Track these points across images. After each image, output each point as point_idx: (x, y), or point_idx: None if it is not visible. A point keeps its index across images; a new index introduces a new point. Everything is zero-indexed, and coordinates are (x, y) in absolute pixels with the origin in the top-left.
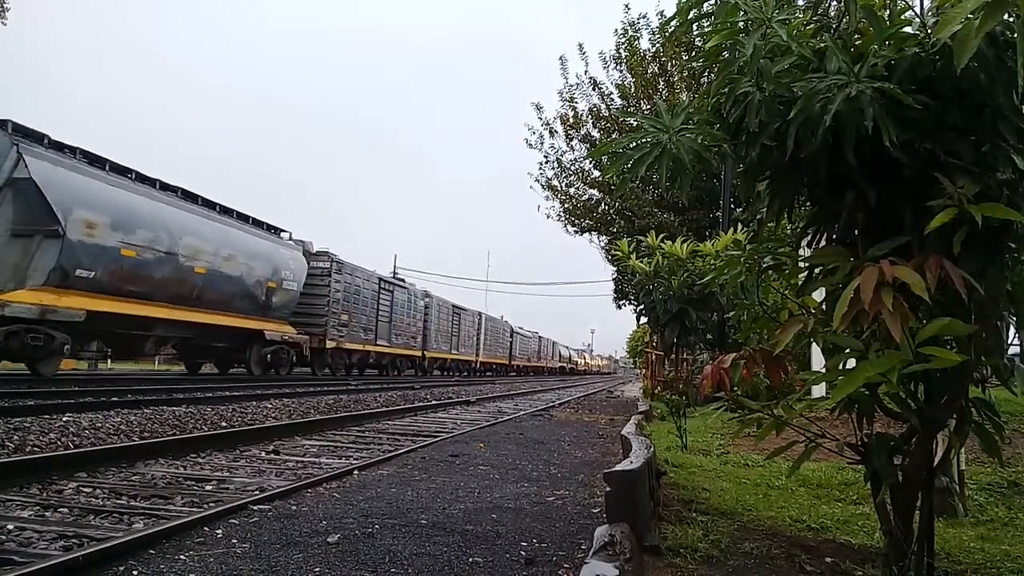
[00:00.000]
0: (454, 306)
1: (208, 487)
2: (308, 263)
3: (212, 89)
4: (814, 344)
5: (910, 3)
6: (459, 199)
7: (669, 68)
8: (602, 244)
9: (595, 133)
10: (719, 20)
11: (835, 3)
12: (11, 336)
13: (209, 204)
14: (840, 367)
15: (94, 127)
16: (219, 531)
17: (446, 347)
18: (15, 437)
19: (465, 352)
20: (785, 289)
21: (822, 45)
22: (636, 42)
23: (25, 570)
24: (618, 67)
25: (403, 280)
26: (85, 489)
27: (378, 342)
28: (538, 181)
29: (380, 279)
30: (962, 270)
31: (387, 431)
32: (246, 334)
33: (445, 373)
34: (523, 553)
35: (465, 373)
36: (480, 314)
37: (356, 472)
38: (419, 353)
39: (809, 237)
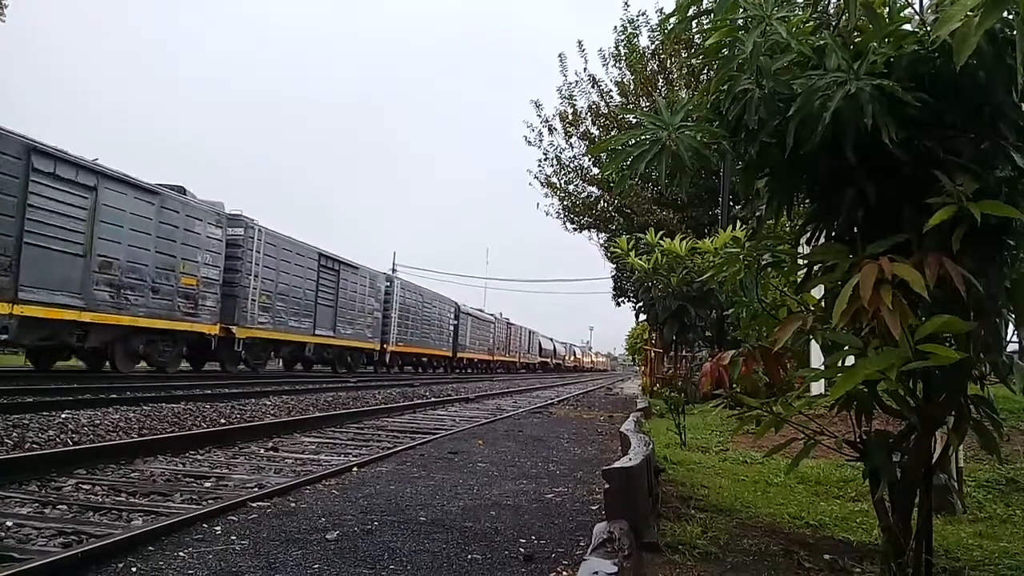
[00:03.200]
0: (324, 256)
1: (207, 484)
2: None
3: (212, 89)
4: (813, 341)
5: (909, 0)
6: (458, 198)
7: (668, 65)
8: (601, 241)
9: (594, 130)
10: (718, 17)
11: (834, 0)
12: None
13: None
14: (839, 364)
15: (94, 127)
16: (218, 528)
17: (302, 324)
18: (14, 434)
19: (357, 335)
20: (784, 286)
21: (821, 42)
22: (635, 39)
23: (24, 567)
24: (617, 64)
25: (176, 188)
26: (84, 486)
27: (63, 298)
28: (537, 178)
29: (49, 152)
30: (961, 268)
31: (386, 428)
32: None
33: (342, 370)
34: (522, 550)
35: (368, 367)
36: (391, 279)
37: (355, 469)
38: (213, 329)
39: (808, 234)
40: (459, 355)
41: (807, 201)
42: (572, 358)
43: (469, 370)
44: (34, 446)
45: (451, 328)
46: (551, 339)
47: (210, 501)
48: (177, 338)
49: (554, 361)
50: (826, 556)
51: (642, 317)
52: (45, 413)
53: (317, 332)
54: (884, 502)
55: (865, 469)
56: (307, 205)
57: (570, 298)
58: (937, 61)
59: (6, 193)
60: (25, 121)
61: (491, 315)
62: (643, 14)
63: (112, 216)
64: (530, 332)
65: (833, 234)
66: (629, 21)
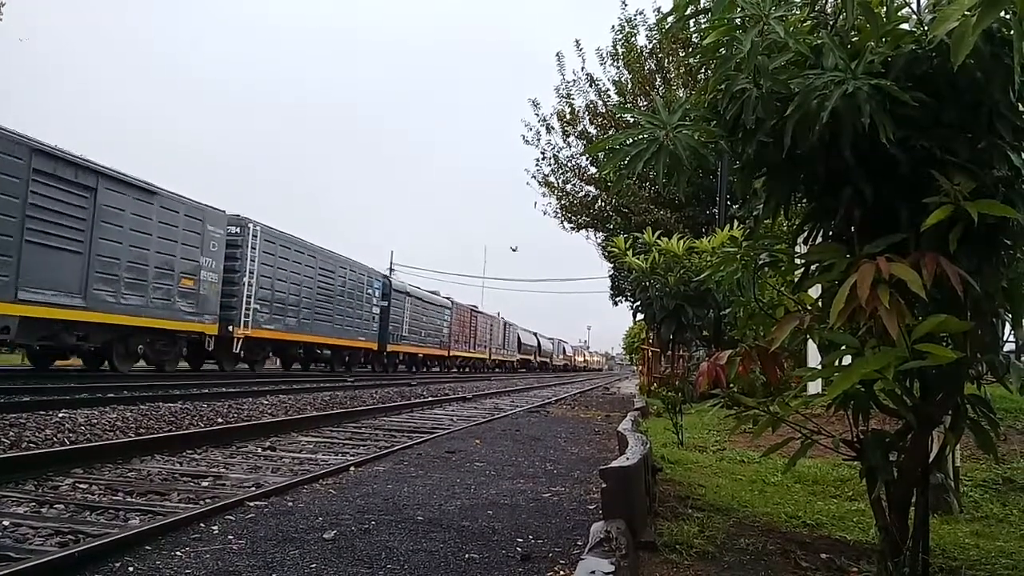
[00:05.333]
0: (47, 154)
1: (204, 483)
2: None
3: (211, 89)
4: (810, 341)
5: (907, 0)
6: (457, 198)
7: (666, 64)
8: (599, 241)
9: (592, 130)
10: (716, 16)
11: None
12: None
13: None
14: (836, 364)
15: (93, 127)
16: (215, 527)
17: None
18: (11, 433)
19: (154, 308)
20: (781, 286)
21: (819, 42)
22: (633, 38)
23: (20, 567)
24: (615, 63)
25: None
26: (81, 485)
27: None
28: (535, 178)
29: None
30: (958, 267)
31: (383, 427)
32: None
33: (124, 367)
34: (519, 549)
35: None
36: (243, 223)
37: (352, 468)
38: None
39: (805, 234)
40: (391, 348)
41: (804, 201)
42: (561, 356)
43: (414, 368)
44: (31, 445)
45: (375, 310)
46: (534, 333)
47: (207, 500)
48: None
49: (539, 359)
50: (823, 555)
51: (639, 316)
52: (42, 412)
53: (25, 296)
54: (881, 501)
55: (862, 468)
56: (306, 206)
57: (568, 298)
58: (934, 61)
59: None
60: (23, 121)
61: (446, 298)
62: (641, 13)
63: None
64: (505, 323)
65: (830, 234)
66: (627, 20)
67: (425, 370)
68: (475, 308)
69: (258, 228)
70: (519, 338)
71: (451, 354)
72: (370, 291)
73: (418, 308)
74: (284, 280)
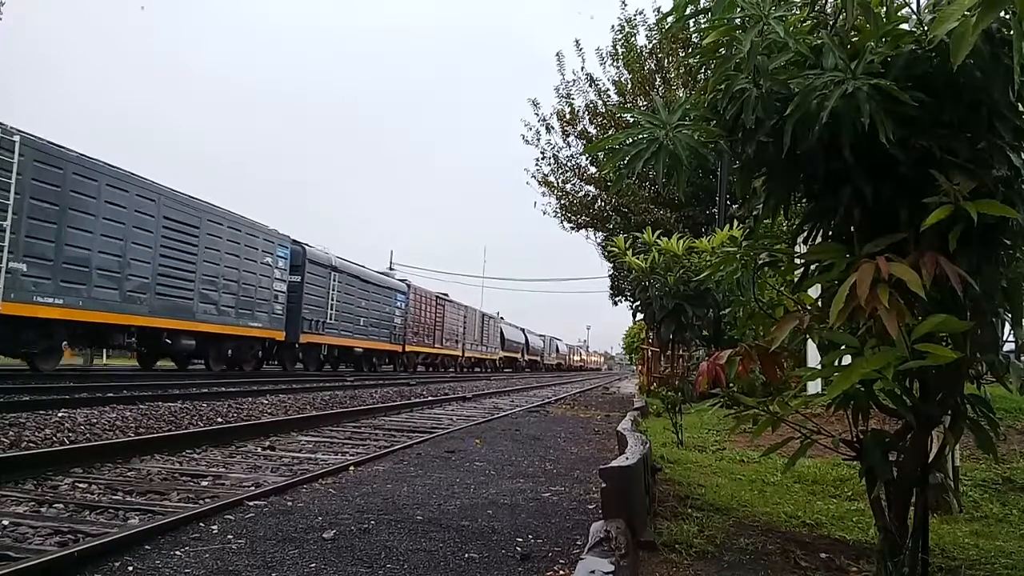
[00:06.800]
0: None
1: (204, 483)
2: None
3: (211, 88)
4: (810, 340)
5: (906, 0)
6: (458, 198)
7: (666, 64)
8: (598, 240)
9: (592, 129)
10: (716, 16)
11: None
12: None
13: None
14: (836, 363)
15: (93, 127)
16: (215, 527)
17: None
18: (11, 433)
19: None
20: (781, 286)
21: (819, 42)
22: (633, 38)
23: (20, 566)
24: (615, 63)
25: None
26: (80, 485)
27: None
28: (535, 177)
29: None
30: (958, 267)
31: (383, 427)
32: None
33: None
34: (519, 549)
35: None
36: None
37: (352, 468)
38: None
39: (805, 234)
40: (307, 338)
41: (804, 200)
42: (554, 355)
43: (359, 367)
44: (31, 445)
45: (278, 287)
46: (522, 329)
47: (207, 500)
48: None
49: (527, 357)
50: (822, 555)
51: (639, 316)
52: (42, 412)
53: None
54: (880, 501)
55: (862, 468)
56: (306, 206)
57: (568, 298)
58: (934, 61)
59: None
60: (24, 121)
61: (401, 281)
62: (640, 13)
63: None
64: (484, 316)
65: (830, 233)
66: (627, 20)
67: (373, 369)
68: (444, 295)
69: (16, 138)
70: (502, 333)
71: (406, 349)
72: (269, 260)
73: (352, 289)
74: (88, 230)
